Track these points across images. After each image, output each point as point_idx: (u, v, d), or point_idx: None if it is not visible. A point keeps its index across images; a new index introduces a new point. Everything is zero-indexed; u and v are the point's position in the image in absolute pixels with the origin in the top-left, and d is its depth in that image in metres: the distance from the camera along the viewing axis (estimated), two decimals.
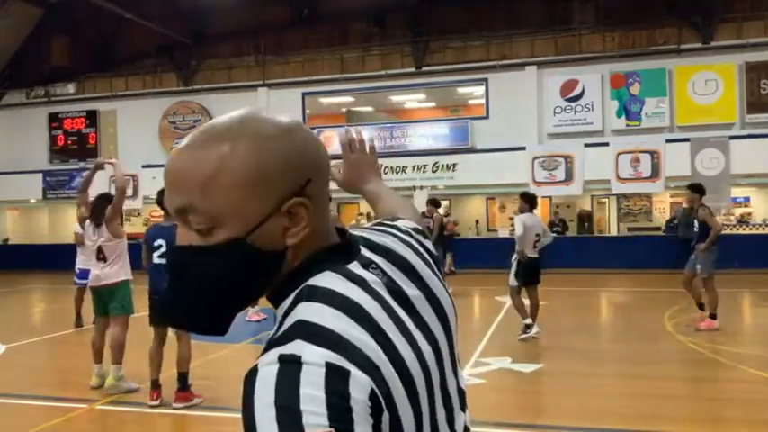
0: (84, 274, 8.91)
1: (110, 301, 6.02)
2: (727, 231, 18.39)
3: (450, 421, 0.89)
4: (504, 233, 18.61)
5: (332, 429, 0.65)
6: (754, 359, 6.65)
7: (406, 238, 1.00)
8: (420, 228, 1.07)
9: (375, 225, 1.03)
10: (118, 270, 6.03)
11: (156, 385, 5.31)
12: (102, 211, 6.03)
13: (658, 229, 19.29)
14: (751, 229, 19.44)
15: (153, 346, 5.42)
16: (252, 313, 9.54)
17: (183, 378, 5.34)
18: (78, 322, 9.37)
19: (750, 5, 16.19)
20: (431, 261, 0.99)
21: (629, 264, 15.74)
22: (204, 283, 0.80)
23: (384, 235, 0.97)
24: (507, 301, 11.06)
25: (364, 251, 0.90)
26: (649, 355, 7.15)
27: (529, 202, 7.97)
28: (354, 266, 0.85)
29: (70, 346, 8.35)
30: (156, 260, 5.43)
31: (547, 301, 10.84)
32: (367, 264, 0.87)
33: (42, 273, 17.78)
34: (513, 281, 7.95)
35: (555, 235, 8.72)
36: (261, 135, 0.79)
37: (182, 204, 0.79)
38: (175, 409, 5.22)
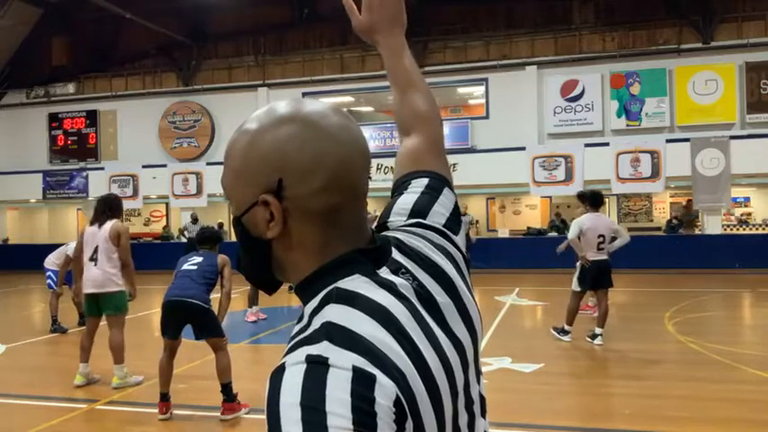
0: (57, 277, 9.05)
1: (104, 304, 6.06)
2: (728, 231, 18.44)
3: (472, 426, 0.89)
4: (503, 233, 18.63)
5: None
6: (754, 359, 6.65)
7: (439, 241, 0.97)
8: (449, 182, 1.08)
9: (408, 225, 0.99)
10: (115, 278, 6.04)
11: (165, 398, 5.12)
12: (103, 213, 6.08)
13: (658, 229, 19.30)
14: (751, 230, 19.46)
15: (163, 359, 5.15)
16: (250, 313, 9.54)
17: (226, 389, 5.08)
18: (59, 327, 9.06)
19: (750, 5, 16.18)
20: (461, 266, 0.97)
21: (629, 264, 15.71)
22: (240, 245, 0.89)
23: (417, 238, 0.96)
24: (507, 301, 11.08)
25: (396, 254, 0.89)
26: (650, 355, 7.14)
27: (592, 202, 7.55)
28: (385, 270, 0.85)
29: (70, 346, 8.32)
30: (185, 267, 5.29)
31: (547, 301, 10.86)
32: (397, 268, 0.86)
33: (42, 273, 17.72)
34: (576, 285, 7.63)
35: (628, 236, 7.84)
36: (257, 128, 0.84)
37: None
38: (223, 420, 5.04)
